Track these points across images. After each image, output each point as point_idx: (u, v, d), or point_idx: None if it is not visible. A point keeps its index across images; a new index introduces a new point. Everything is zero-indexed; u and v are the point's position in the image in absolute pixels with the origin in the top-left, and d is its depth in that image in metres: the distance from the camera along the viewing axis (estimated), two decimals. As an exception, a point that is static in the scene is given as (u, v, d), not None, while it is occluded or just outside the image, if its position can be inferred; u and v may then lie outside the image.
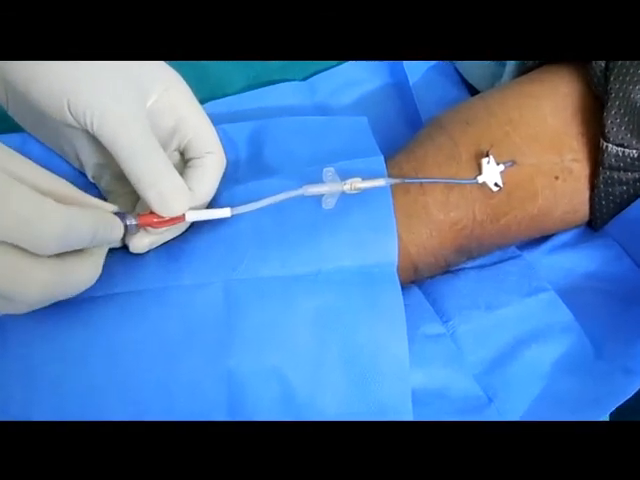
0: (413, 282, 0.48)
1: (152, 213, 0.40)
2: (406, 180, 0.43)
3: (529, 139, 0.45)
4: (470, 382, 0.44)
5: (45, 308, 0.37)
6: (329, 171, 0.42)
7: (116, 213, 0.39)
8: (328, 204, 0.42)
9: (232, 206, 0.41)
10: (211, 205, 0.43)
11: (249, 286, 0.41)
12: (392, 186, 0.43)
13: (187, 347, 0.40)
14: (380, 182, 0.42)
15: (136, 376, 0.39)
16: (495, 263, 0.49)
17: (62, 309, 0.40)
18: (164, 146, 0.41)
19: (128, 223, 0.40)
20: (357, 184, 0.42)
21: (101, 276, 0.39)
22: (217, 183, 0.43)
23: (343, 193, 0.42)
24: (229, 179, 0.45)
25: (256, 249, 0.42)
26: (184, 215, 0.41)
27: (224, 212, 0.41)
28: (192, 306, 0.41)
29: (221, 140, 0.44)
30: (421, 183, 0.45)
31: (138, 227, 0.40)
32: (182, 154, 0.44)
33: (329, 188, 0.42)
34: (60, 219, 0.34)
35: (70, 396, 0.39)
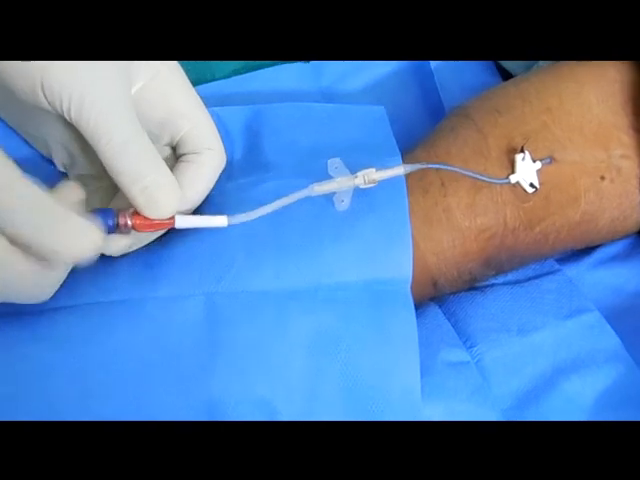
0: (432, 299, 0.47)
1: (136, 213, 0.38)
2: (430, 165, 0.41)
3: (571, 131, 0.44)
4: (498, 419, 0.42)
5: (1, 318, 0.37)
6: (335, 162, 0.40)
7: (95, 210, 0.37)
8: (342, 205, 0.40)
9: (226, 212, 0.39)
10: (199, 206, 0.42)
11: (236, 301, 0.40)
12: (408, 186, 0.41)
13: (161, 370, 0.39)
14: (398, 170, 0.40)
15: (101, 400, 0.38)
16: (530, 279, 0.47)
17: (19, 320, 0.39)
18: (154, 140, 0.40)
19: (109, 223, 0.37)
20: (372, 175, 0.40)
21: (65, 283, 0.38)
22: (212, 183, 0.42)
23: (357, 188, 0.40)
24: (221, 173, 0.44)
25: (246, 257, 0.40)
26: (173, 219, 0.39)
27: (220, 221, 0.39)
28: (168, 322, 0.39)
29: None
30: (443, 183, 0.43)
31: (117, 228, 0.38)
32: (174, 149, 0.43)
33: (339, 184, 0.40)
34: None
35: (25, 418, 0.37)
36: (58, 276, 0.36)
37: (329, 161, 0.41)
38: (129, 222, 0.38)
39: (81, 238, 0.34)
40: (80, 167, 0.43)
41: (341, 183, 0.40)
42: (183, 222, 0.39)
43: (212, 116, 0.42)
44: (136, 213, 0.38)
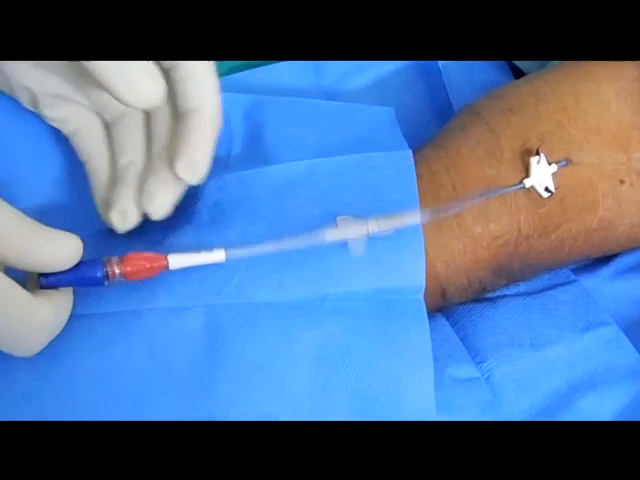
0: (439, 310, 0.46)
1: (124, 261, 0.37)
2: (441, 215, 0.40)
3: (588, 132, 0.43)
4: (509, 438, 0.43)
5: None
6: (344, 219, 0.39)
7: (82, 263, 0.36)
8: (357, 251, 0.39)
9: (224, 211, 0.40)
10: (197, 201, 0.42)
11: (238, 313, 0.39)
12: (420, 189, 0.41)
13: (159, 386, 0.38)
14: (414, 219, 0.39)
15: (91, 418, 0.37)
16: (544, 290, 0.46)
17: None
18: None
19: (99, 275, 0.37)
20: (388, 223, 0.39)
21: None
22: (204, 157, 0.39)
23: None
24: (219, 160, 0.42)
25: (248, 266, 0.39)
26: (166, 260, 0.37)
27: (217, 256, 0.38)
28: (166, 335, 0.39)
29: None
30: (454, 187, 0.42)
31: (107, 279, 0.37)
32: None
33: (353, 231, 0.39)
34: None
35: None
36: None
37: (338, 219, 0.39)
38: (117, 271, 0.37)
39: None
40: (52, 98, 0.42)
41: (355, 231, 0.39)
42: (177, 262, 0.38)
43: None
44: (123, 260, 0.37)
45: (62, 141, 0.44)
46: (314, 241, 0.39)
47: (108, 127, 0.43)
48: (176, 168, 0.38)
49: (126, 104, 0.37)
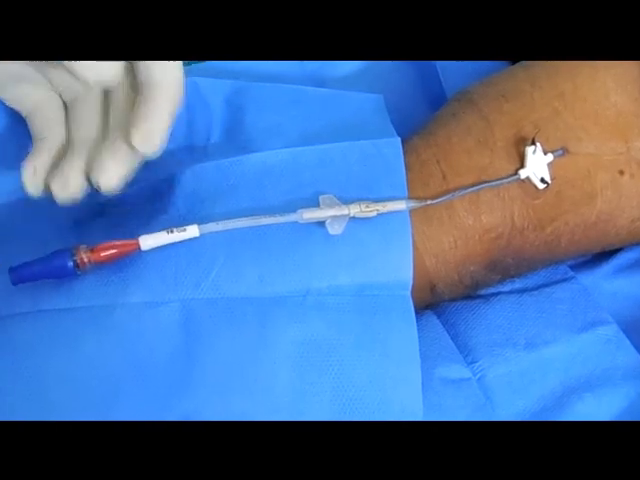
0: (429, 307, 0.46)
1: (93, 250, 0.38)
2: (429, 202, 0.40)
3: (586, 119, 0.42)
4: (501, 441, 0.43)
5: None
6: (327, 198, 0.39)
7: (53, 253, 0.38)
8: (335, 229, 0.39)
9: (202, 199, 0.40)
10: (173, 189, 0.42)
11: (215, 308, 0.38)
12: (408, 178, 0.40)
13: (131, 385, 0.37)
14: (400, 205, 0.39)
15: (62, 416, 0.37)
16: (540, 287, 0.46)
17: None
18: None
19: (69, 264, 0.38)
20: (368, 207, 0.39)
21: (27, 287, 0.38)
22: (161, 127, 0.39)
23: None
24: (197, 148, 0.44)
25: (226, 259, 0.39)
26: (136, 241, 0.38)
27: (191, 232, 0.38)
28: (140, 331, 0.38)
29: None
30: (444, 176, 0.42)
31: (78, 268, 0.38)
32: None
33: (334, 212, 0.39)
34: None
35: None
36: None
37: (321, 197, 0.40)
38: (85, 259, 0.38)
39: None
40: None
41: (336, 212, 0.39)
42: (149, 241, 0.39)
43: (190, 85, 0.42)
44: (93, 249, 0.38)
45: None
46: (291, 218, 0.39)
47: (66, 108, 0.43)
48: (131, 136, 0.38)
49: (85, 82, 0.37)
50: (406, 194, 0.41)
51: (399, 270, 0.40)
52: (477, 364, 0.42)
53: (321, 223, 0.40)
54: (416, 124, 0.47)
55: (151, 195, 0.42)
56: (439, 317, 0.45)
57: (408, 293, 0.40)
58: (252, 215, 0.39)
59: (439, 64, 0.52)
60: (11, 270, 0.38)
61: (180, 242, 0.39)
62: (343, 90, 0.49)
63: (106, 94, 0.42)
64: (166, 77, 0.39)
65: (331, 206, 0.40)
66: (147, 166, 0.42)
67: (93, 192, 0.41)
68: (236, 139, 0.45)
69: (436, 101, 0.52)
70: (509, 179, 0.41)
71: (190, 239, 0.39)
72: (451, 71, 0.52)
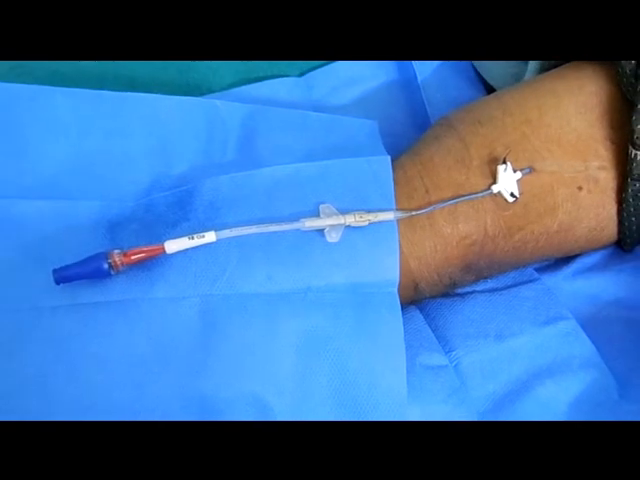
0: (412, 303, 0.48)
1: (125, 253, 0.41)
2: (413, 213, 0.43)
3: (549, 142, 0.45)
4: (474, 420, 0.43)
5: None
6: (327, 207, 0.42)
7: (88, 258, 0.40)
8: (332, 237, 0.42)
9: (219, 209, 0.42)
10: (193, 199, 0.43)
11: (229, 303, 0.41)
12: (395, 191, 0.43)
13: (156, 367, 0.40)
14: (388, 215, 0.42)
15: (98, 396, 0.39)
16: (509, 287, 0.48)
17: (17, 318, 0.40)
18: None
19: (105, 267, 0.40)
20: (363, 216, 0.42)
21: (64, 284, 0.40)
22: None
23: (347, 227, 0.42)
24: (215, 163, 0.46)
25: (239, 261, 0.41)
26: (163, 247, 0.40)
27: (209, 238, 0.41)
28: (164, 322, 0.40)
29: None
30: (427, 191, 0.45)
31: (112, 269, 0.41)
32: None
33: (332, 221, 0.42)
34: None
35: (24, 417, 0.38)
36: None
37: (321, 206, 0.42)
38: (118, 261, 0.40)
39: None
40: None
41: (334, 221, 0.41)
42: (173, 246, 0.41)
43: (210, 107, 0.46)
44: (125, 253, 0.40)
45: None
46: (295, 226, 0.41)
47: None
48: None
49: None
50: (394, 206, 0.43)
51: (387, 271, 0.42)
52: (453, 353, 0.44)
53: (321, 230, 0.42)
54: (404, 145, 0.49)
55: (175, 203, 0.43)
56: (422, 312, 0.47)
57: (395, 290, 0.42)
58: (261, 223, 0.41)
59: (425, 94, 0.54)
60: (54, 271, 0.40)
61: (199, 245, 0.41)
62: (343, 116, 0.50)
63: None
64: None
65: (330, 215, 0.42)
66: (172, 178, 0.45)
67: (124, 199, 0.44)
68: (249, 156, 0.47)
69: (422, 126, 0.54)
70: (483, 193, 0.43)
71: (208, 243, 0.41)
72: (435, 100, 0.55)
